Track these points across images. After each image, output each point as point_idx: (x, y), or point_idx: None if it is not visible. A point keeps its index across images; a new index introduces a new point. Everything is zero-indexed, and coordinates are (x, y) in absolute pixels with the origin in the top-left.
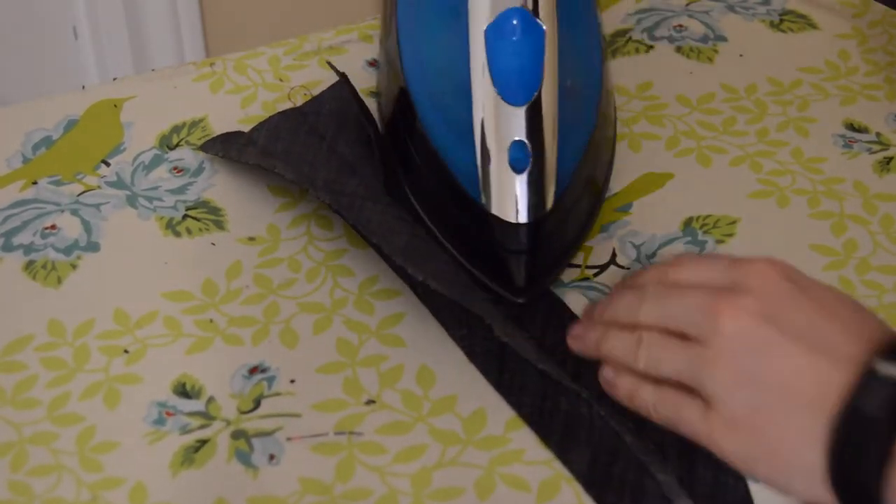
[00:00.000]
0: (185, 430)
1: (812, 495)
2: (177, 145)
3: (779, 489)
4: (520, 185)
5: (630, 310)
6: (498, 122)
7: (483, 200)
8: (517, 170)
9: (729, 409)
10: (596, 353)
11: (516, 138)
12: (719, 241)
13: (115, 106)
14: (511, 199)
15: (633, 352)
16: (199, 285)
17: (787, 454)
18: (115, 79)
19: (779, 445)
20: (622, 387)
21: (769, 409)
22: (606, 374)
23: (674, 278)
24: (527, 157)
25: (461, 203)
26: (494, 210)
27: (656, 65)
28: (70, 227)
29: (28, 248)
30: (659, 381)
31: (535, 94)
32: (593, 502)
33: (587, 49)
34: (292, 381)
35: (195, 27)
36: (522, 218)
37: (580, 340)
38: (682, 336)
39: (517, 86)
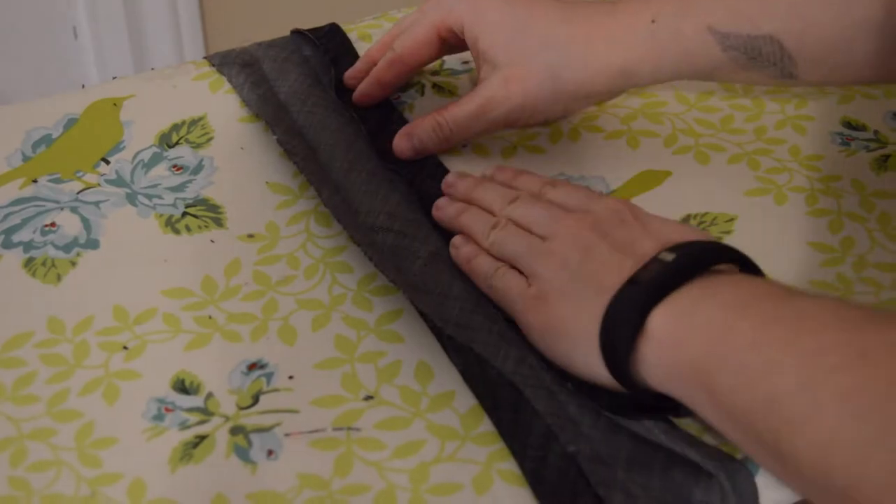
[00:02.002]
0: (183, 426)
1: (590, 370)
2: (176, 143)
3: (566, 365)
4: None
5: (498, 201)
6: None
7: None
8: None
9: (542, 286)
10: (452, 224)
11: None
12: (717, 239)
13: (115, 104)
14: None
15: (486, 230)
16: (199, 282)
17: (576, 329)
18: (114, 77)
19: (571, 321)
20: (466, 252)
21: (572, 289)
22: (457, 239)
23: (546, 194)
24: None
25: None
26: None
27: None
28: (70, 225)
29: (28, 246)
30: (498, 259)
31: None
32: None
33: None
34: (291, 378)
35: (195, 26)
36: None
37: (441, 209)
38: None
39: None
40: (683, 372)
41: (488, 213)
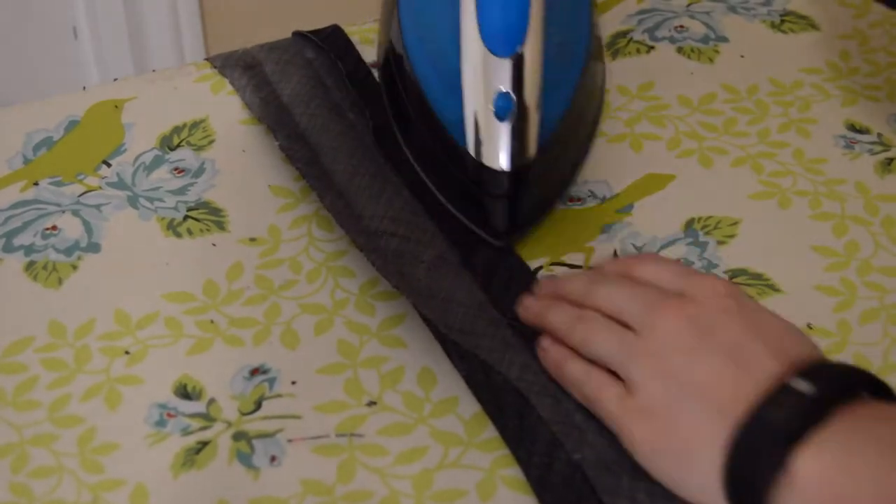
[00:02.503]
0: (186, 432)
1: (706, 499)
2: (178, 146)
3: (675, 487)
4: (503, 133)
5: (582, 289)
6: (484, 73)
7: (469, 149)
8: (501, 118)
9: (645, 398)
10: (538, 322)
11: (502, 89)
12: (721, 243)
13: (116, 107)
14: (495, 146)
15: (572, 325)
16: (200, 286)
17: (691, 451)
18: (115, 79)
19: (684, 442)
20: (553, 355)
21: (682, 405)
22: (543, 341)
23: (633, 273)
24: (511, 106)
25: (450, 151)
26: (479, 157)
27: (657, 65)
28: (71, 228)
29: (29, 249)
30: (590, 361)
31: (520, 46)
32: None
33: (575, 2)
34: (293, 383)
35: (195, 27)
36: (505, 165)
37: (527, 309)
38: (622, 325)
39: (503, 38)
40: None
41: (574, 306)
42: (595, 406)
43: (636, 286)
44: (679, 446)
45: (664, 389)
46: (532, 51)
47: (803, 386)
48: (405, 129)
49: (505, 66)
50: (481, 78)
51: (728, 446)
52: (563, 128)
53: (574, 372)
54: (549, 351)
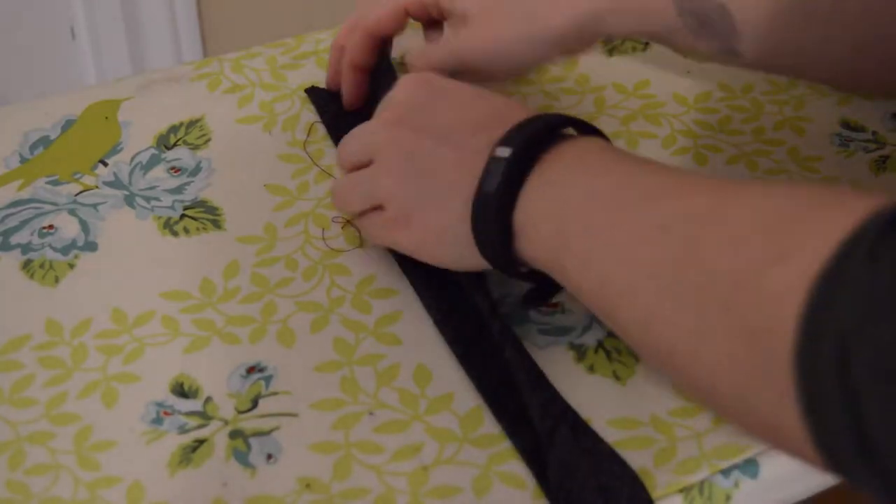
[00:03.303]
0: (182, 430)
1: (479, 267)
2: (174, 145)
3: (453, 264)
4: None
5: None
6: None
7: None
8: None
9: (395, 210)
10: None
11: None
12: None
13: (113, 106)
14: None
15: (338, 201)
16: (197, 285)
17: (450, 237)
18: (113, 79)
19: (443, 232)
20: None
21: (428, 203)
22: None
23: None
24: None
25: None
26: None
27: (653, 64)
28: (68, 227)
29: (26, 248)
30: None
31: None
32: None
33: None
34: (289, 381)
35: (192, 27)
36: None
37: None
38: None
39: None
40: (547, 258)
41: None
42: (377, 239)
43: (358, 128)
44: (440, 237)
45: (405, 197)
46: None
47: (502, 151)
48: None
49: None
50: None
51: (466, 220)
52: None
53: (361, 227)
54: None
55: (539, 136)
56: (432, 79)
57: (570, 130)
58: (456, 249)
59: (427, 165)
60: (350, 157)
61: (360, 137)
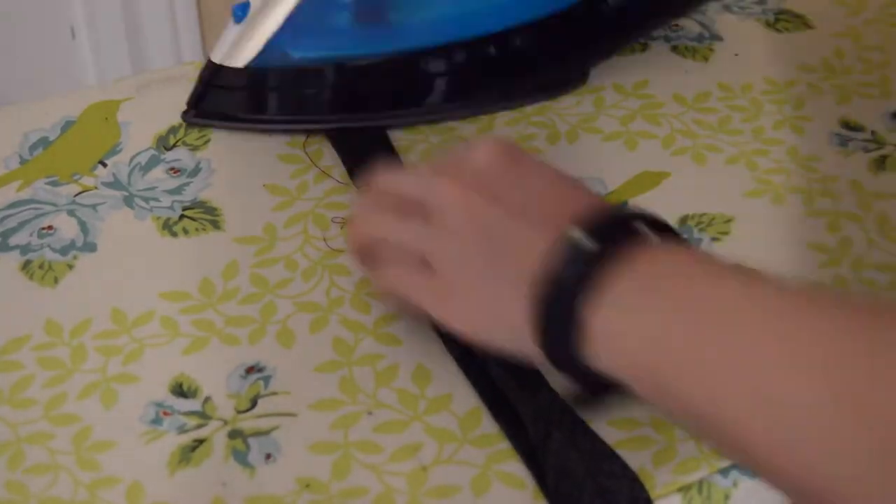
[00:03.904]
0: (181, 430)
1: (526, 352)
2: (173, 146)
3: (502, 349)
4: (230, 31)
5: (375, 190)
6: None
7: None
8: (236, 20)
9: (446, 275)
10: (362, 247)
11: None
12: (715, 239)
13: (113, 107)
14: (220, 42)
15: (364, 230)
16: (196, 285)
17: (500, 315)
18: (112, 79)
19: (493, 310)
20: (383, 279)
21: (486, 279)
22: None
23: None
24: (244, 13)
25: None
26: (214, 51)
27: (652, 64)
28: (67, 228)
29: (25, 249)
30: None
31: None
32: None
33: None
34: (289, 381)
35: (192, 27)
36: (214, 57)
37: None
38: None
39: None
40: (623, 364)
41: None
42: (412, 299)
43: (419, 172)
44: (490, 312)
45: (460, 260)
46: None
47: (581, 238)
48: None
49: None
50: None
51: (530, 306)
52: (304, 73)
53: (388, 275)
54: (373, 279)
55: (629, 232)
56: (514, 149)
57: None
58: (507, 334)
59: (498, 238)
60: (398, 189)
61: (421, 180)
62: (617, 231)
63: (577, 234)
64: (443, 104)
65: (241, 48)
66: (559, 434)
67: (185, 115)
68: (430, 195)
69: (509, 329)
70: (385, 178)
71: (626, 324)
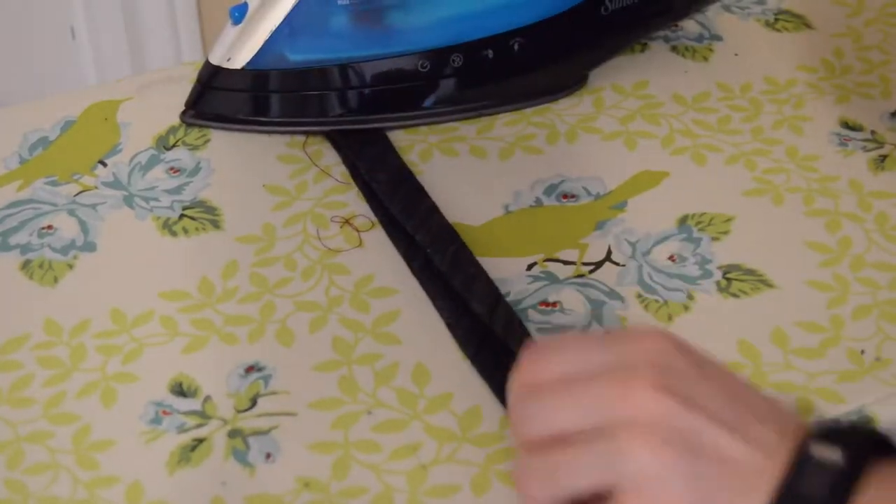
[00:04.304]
0: (181, 430)
1: None
2: (173, 146)
3: None
4: (228, 32)
5: (524, 425)
6: None
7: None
8: (234, 22)
9: (649, 499)
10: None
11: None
12: (714, 239)
13: (112, 107)
14: (218, 43)
15: (531, 482)
16: (196, 284)
17: None
18: (112, 80)
19: None
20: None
21: (701, 495)
22: None
23: (541, 378)
24: (244, 12)
25: None
26: (211, 52)
27: (652, 64)
28: (67, 228)
29: (25, 248)
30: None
31: None
32: None
33: None
34: (288, 380)
35: (192, 28)
36: (213, 58)
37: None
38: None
39: None
40: None
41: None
42: None
43: (575, 384)
44: None
45: (670, 478)
46: None
47: (829, 454)
48: None
49: None
50: None
51: None
52: (301, 75)
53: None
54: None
55: (870, 443)
56: (682, 342)
57: None
58: None
59: (706, 452)
60: (569, 421)
61: (585, 398)
62: (854, 445)
63: (818, 449)
64: (441, 106)
65: (239, 49)
66: None
67: (183, 115)
68: (608, 409)
69: None
70: (541, 408)
71: None
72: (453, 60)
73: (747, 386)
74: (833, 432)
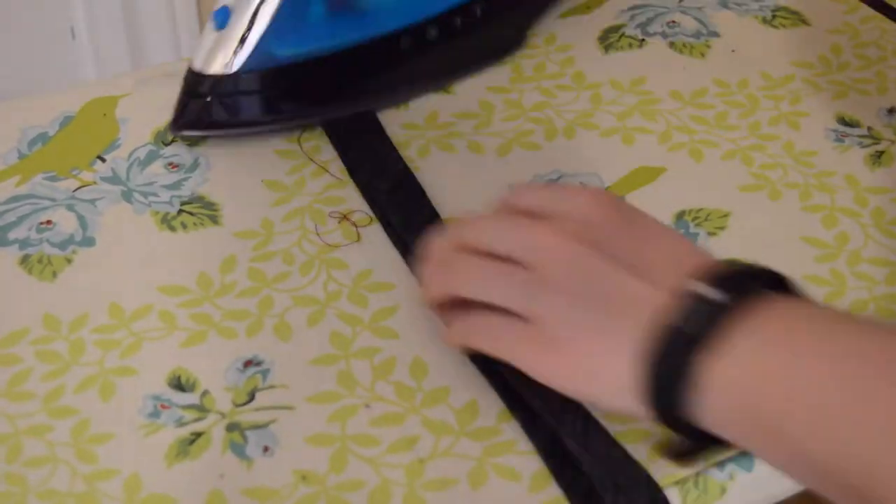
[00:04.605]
0: (179, 423)
1: (629, 413)
2: (172, 141)
3: (600, 406)
4: (210, 38)
5: (460, 234)
6: None
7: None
8: (217, 27)
9: (550, 327)
10: (441, 295)
11: (226, 3)
12: (711, 234)
13: (111, 102)
14: (201, 49)
15: (466, 281)
16: (194, 279)
17: (606, 373)
18: (111, 75)
19: (597, 362)
20: (455, 331)
21: (592, 329)
22: (443, 329)
23: (515, 207)
24: (227, 17)
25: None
26: (194, 60)
27: (649, 60)
28: (65, 222)
29: (24, 243)
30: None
31: None
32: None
33: None
34: (286, 375)
35: (192, 27)
36: (198, 65)
37: (427, 285)
38: (509, 262)
39: None
40: (743, 418)
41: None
42: (502, 353)
43: (513, 218)
44: (594, 371)
45: (566, 314)
46: None
47: (706, 290)
48: None
49: None
50: None
51: (639, 358)
52: (291, 70)
53: (474, 327)
54: (451, 331)
55: (751, 281)
56: (619, 202)
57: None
58: (609, 389)
59: (606, 292)
60: (492, 242)
61: (514, 229)
62: (742, 284)
63: (702, 287)
64: (426, 78)
65: (227, 53)
66: (592, 425)
67: (174, 128)
68: (527, 246)
69: (613, 384)
70: (466, 228)
71: (750, 374)
72: (427, 34)
73: (668, 232)
74: (718, 271)
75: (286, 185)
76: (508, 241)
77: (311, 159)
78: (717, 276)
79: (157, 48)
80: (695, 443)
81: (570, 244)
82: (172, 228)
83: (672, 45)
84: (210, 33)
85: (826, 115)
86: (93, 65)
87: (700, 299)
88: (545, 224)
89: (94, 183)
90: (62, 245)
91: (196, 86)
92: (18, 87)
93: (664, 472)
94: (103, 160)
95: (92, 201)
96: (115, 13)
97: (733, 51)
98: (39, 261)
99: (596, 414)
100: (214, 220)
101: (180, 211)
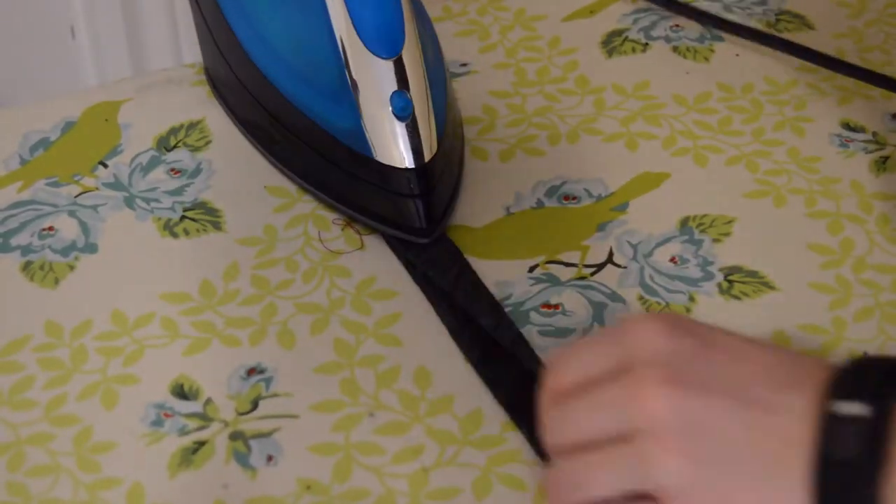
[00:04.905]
0: (183, 432)
1: None
2: (174, 147)
3: None
4: (405, 132)
5: (552, 433)
6: (374, 77)
7: (374, 154)
8: (401, 118)
9: (685, 497)
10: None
11: (395, 89)
12: (716, 240)
13: (113, 108)
14: (400, 147)
15: (559, 489)
16: (197, 286)
17: None
18: (112, 81)
19: None
20: None
21: (733, 481)
22: None
23: (562, 387)
24: (409, 105)
25: (352, 162)
26: (387, 160)
27: (653, 64)
28: (67, 229)
29: (26, 249)
30: None
31: (402, 46)
32: None
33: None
34: (290, 383)
35: (193, 27)
36: (410, 163)
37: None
38: (600, 447)
39: (385, 40)
40: None
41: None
42: None
43: (590, 391)
44: None
45: (697, 475)
46: (412, 50)
47: (853, 408)
48: (290, 159)
49: (391, 68)
50: (372, 83)
51: (811, 497)
52: (448, 122)
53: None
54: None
55: (890, 380)
56: (685, 321)
57: None
58: None
59: (727, 436)
60: (591, 425)
61: (602, 402)
62: (883, 390)
63: (842, 406)
64: None
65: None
66: None
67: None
68: (625, 413)
69: None
70: (558, 422)
71: None
72: None
73: (756, 344)
74: (853, 377)
75: (289, 191)
76: (601, 417)
77: None
78: (846, 387)
79: (158, 48)
80: None
81: (661, 392)
82: (175, 235)
83: (675, 49)
84: (392, 123)
85: (830, 120)
86: (93, 65)
87: (846, 420)
88: (621, 385)
89: (96, 189)
90: (64, 251)
91: (415, 183)
92: (18, 87)
93: None
94: (105, 166)
95: (94, 207)
96: (116, 13)
97: (737, 55)
98: (41, 267)
99: None
100: (217, 226)
101: (183, 217)
